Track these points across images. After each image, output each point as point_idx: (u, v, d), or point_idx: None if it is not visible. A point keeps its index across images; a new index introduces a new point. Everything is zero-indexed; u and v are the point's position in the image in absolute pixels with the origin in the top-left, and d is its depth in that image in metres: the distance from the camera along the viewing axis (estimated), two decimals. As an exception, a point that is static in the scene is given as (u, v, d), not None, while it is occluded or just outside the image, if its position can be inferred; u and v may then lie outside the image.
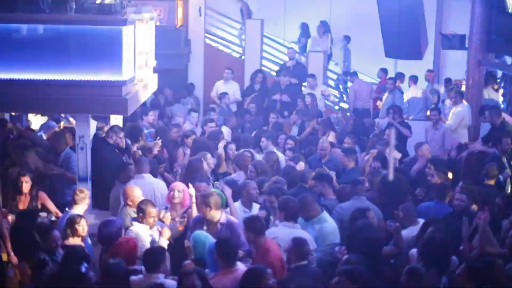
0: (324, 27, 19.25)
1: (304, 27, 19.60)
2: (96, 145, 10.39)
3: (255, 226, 7.59)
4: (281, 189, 8.99)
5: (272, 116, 14.35)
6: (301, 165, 10.55)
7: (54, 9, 9.56)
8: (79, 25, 9.41)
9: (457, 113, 14.10)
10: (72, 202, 8.67)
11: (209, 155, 10.64)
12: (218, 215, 8.11)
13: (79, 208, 8.58)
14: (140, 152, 10.69)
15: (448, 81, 17.43)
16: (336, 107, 19.05)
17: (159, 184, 9.71)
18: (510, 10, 13.12)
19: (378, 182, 9.63)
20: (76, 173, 9.94)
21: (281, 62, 18.74)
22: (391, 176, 9.39)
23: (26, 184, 9.15)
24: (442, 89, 17.24)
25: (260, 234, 7.60)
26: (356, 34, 19.83)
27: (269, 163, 10.46)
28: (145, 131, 12.61)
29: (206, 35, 18.52)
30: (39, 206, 9.33)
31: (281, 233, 7.89)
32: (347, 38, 19.75)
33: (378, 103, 16.18)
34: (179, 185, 9.04)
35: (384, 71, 17.97)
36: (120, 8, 9.54)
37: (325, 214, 8.34)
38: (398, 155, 11.89)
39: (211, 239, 7.61)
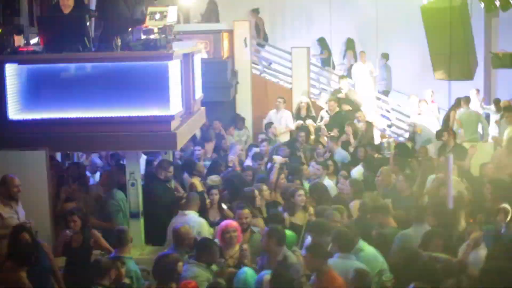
0: (348, 44, 19.29)
1: (322, 42, 19.49)
2: (148, 181, 10.35)
3: (320, 252, 7.45)
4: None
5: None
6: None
7: (100, 47, 9.63)
8: (125, 61, 9.45)
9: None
10: (117, 243, 8.52)
11: (265, 187, 10.53)
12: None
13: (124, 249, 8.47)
14: (199, 186, 10.63)
15: (497, 102, 17.10)
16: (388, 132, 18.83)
17: (196, 222, 9.42)
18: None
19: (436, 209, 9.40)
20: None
21: (329, 89, 18.68)
22: (450, 204, 9.16)
23: (76, 223, 9.09)
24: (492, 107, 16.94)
25: (326, 260, 7.46)
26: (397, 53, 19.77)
27: (316, 193, 10.34)
28: (201, 163, 12.58)
29: (252, 65, 18.51)
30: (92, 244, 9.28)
31: (335, 263, 7.72)
32: (385, 56, 19.56)
33: (419, 129, 15.83)
34: (231, 225, 8.68)
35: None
36: (165, 43, 9.54)
37: (361, 243, 8.16)
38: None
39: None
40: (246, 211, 8.98)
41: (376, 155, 13.29)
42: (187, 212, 9.44)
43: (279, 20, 20.98)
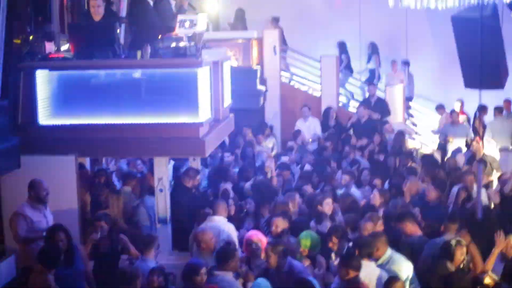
0: (373, 49, 19.25)
1: (342, 46, 19.48)
2: (175, 187, 10.39)
3: (353, 264, 7.45)
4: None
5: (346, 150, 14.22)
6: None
7: (130, 54, 9.71)
8: (155, 68, 9.52)
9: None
10: (144, 249, 8.55)
11: (297, 195, 10.53)
12: None
13: (152, 253, 8.50)
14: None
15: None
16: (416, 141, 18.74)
17: (225, 227, 9.36)
18: None
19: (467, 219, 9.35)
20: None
21: (357, 97, 18.64)
22: (479, 214, 9.09)
23: (103, 229, 9.15)
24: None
25: (359, 271, 7.46)
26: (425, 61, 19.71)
27: (344, 204, 10.33)
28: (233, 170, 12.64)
29: (282, 73, 18.53)
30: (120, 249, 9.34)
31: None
32: (406, 63, 19.44)
33: (450, 138, 15.71)
34: (256, 236, 8.75)
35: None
36: (195, 51, 9.60)
37: (391, 253, 8.13)
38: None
39: None
40: (281, 220, 8.97)
41: (409, 164, 13.19)
42: (215, 217, 9.46)
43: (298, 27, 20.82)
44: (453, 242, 8.10)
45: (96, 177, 11.21)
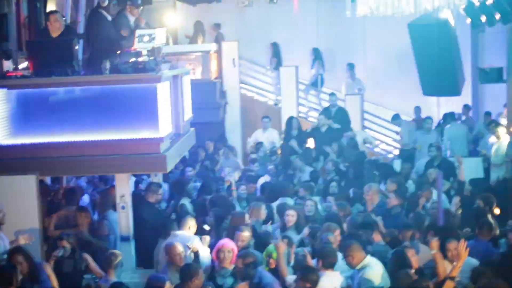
0: (316, 54, 19.48)
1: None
2: (136, 203, 10.33)
3: (310, 277, 7.51)
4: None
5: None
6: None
7: (89, 71, 9.63)
8: (114, 85, 9.44)
9: (501, 148, 13.86)
10: (108, 267, 8.47)
11: (263, 207, 10.50)
12: None
13: (115, 272, 8.42)
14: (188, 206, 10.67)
15: (487, 114, 17.17)
16: (376, 149, 18.86)
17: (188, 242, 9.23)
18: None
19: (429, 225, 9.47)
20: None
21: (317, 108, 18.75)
22: (441, 221, 9.18)
23: (65, 249, 9.02)
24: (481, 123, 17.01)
25: (316, 285, 7.53)
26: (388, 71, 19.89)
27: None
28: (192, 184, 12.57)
29: (241, 85, 18.55)
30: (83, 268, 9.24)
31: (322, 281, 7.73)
32: (351, 66, 19.52)
33: (418, 146, 15.80)
34: (227, 244, 8.65)
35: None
36: (154, 65, 9.56)
37: (369, 260, 8.12)
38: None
39: None
40: (246, 234, 8.91)
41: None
42: (178, 232, 9.40)
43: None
44: (401, 249, 8.20)
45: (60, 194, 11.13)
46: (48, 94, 9.45)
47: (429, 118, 16.15)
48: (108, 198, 10.71)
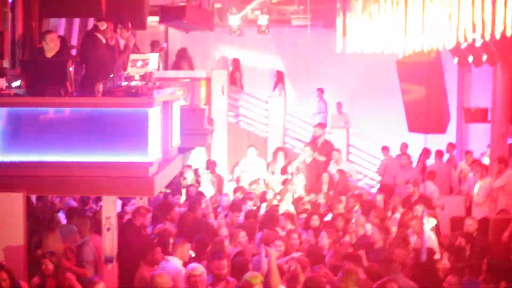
0: (278, 77, 20.03)
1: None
2: (124, 225, 10.36)
3: None
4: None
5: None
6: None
7: (82, 92, 9.71)
8: (106, 107, 9.52)
9: (484, 187, 14.02)
10: None
11: (242, 234, 10.55)
12: None
13: None
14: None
15: (469, 153, 17.38)
16: (361, 183, 18.98)
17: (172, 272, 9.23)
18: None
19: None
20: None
21: (304, 139, 18.89)
22: (424, 256, 9.30)
23: (48, 267, 9.06)
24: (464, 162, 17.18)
25: None
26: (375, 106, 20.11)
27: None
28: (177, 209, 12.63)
29: (229, 113, 18.68)
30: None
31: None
32: (321, 90, 20.06)
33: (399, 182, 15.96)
34: (197, 269, 8.68)
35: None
36: (146, 90, 9.66)
37: None
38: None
39: None
40: (224, 263, 8.87)
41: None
42: (170, 258, 9.44)
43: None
44: (383, 282, 8.32)
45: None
46: (40, 113, 9.52)
47: (405, 155, 16.41)
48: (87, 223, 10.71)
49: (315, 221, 12.07)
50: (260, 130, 19.38)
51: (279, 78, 20.30)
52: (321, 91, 20.43)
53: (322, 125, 17.82)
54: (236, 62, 20.77)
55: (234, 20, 20.08)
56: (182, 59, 18.74)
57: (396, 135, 18.55)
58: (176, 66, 18.36)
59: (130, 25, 11.99)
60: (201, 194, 13.73)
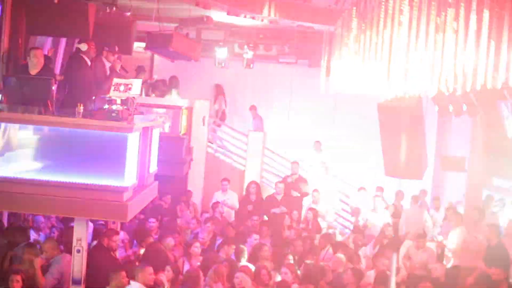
0: (217, 90, 20.56)
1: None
2: (94, 247, 10.29)
3: None
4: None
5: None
6: None
7: (62, 112, 9.69)
8: (86, 129, 9.49)
9: (458, 235, 14.07)
10: None
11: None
12: None
13: None
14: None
15: (436, 199, 17.53)
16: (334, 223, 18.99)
17: None
18: (510, 135, 13.33)
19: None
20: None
21: (281, 175, 18.92)
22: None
23: (17, 284, 8.98)
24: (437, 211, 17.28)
25: None
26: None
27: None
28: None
29: (208, 144, 18.70)
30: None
31: None
32: (254, 107, 20.45)
33: (369, 224, 16.03)
34: None
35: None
36: (126, 115, 9.65)
37: None
38: None
39: None
40: None
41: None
42: (132, 282, 9.37)
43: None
44: None
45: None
46: (18, 130, 9.48)
47: (377, 197, 16.50)
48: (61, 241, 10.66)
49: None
50: (238, 163, 19.38)
51: (218, 91, 20.50)
52: (254, 108, 20.63)
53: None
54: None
55: (221, 53, 20.20)
56: (174, 87, 18.79)
57: (371, 178, 18.65)
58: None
59: (116, 48, 12.02)
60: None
